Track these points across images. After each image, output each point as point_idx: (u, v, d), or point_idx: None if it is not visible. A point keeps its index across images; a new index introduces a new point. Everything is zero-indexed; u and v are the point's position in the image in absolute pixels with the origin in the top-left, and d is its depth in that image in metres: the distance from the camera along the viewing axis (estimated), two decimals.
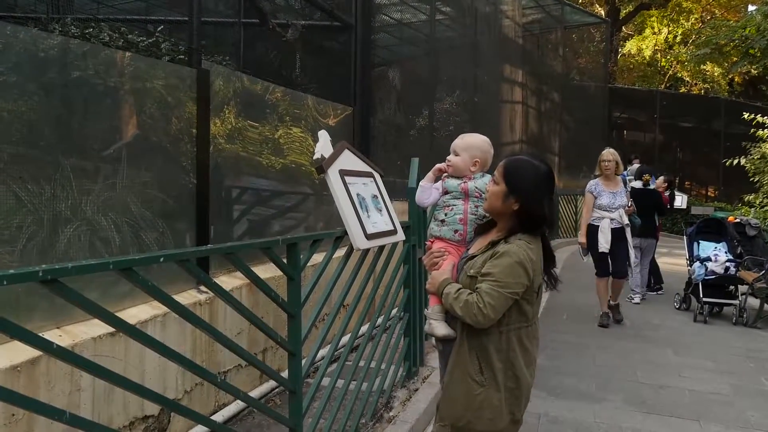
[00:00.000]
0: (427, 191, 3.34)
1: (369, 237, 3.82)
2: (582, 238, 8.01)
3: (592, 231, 7.84)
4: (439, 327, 2.88)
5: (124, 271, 2.12)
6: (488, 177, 2.99)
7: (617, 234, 7.78)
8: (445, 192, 3.23)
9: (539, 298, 2.70)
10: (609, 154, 8.10)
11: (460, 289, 2.63)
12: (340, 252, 3.80)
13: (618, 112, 25.73)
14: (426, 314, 3.08)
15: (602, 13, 28.66)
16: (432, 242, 3.19)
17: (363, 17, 7.06)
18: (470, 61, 12.55)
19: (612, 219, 7.76)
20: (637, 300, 9.51)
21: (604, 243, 7.67)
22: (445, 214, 3.17)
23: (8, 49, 3.72)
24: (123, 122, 4.36)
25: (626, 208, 7.86)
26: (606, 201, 7.83)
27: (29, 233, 3.86)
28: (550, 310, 8.53)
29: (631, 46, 33.03)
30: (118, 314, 2.33)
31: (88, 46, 4.17)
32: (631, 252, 7.99)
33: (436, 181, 3.35)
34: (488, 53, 13.42)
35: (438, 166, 3.34)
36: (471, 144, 3.22)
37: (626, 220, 7.81)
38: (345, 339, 4.65)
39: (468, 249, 2.94)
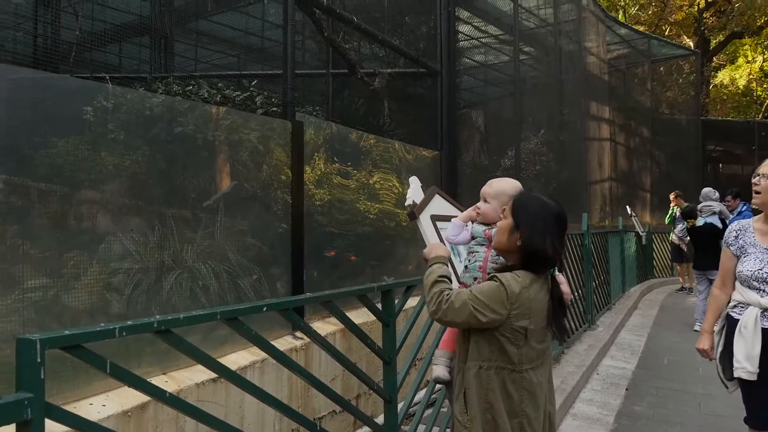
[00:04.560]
0: (458, 228, 3.26)
1: None
2: (704, 340, 3.86)
3: (729, 329, 3.74)
4: (435, 369, 2.89)
5: (230, 321, 2.20)
6: None
7: None
8: (473, 237, 3.17)
9: (539, 345, 2.48)
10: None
11: (444, 288, 2.49)
12: None
13: (712, 145, 24.72)
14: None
15: (691, 44, 27.87)
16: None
17: (448, 62, 7.15)
18: (555, 100, 12.44)
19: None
20: None
21: (747, 363, 3.55)
22: (468, 261, 3.10)
23: (117, 109, 3.98)
24: (221, 173, 4.55)
25: None
26: (754, 266, 3.62)
27: (135, 281, 4.05)
28: (648, 354, 8.15)
29: (723, 77, 31.85)
30: (219, 360, 2.40)
31: (188, 104, 4.41)
32: None
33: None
34: (573, 91, 13.27)
35: (470, 212, 3.28)
36: (500, 191, 3.10)
37: None
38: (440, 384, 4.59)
39: None
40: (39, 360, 1.60)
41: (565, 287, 2.93)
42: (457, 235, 3.23)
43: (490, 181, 3.18)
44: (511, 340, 2.39)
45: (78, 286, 3.79)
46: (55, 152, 3.81)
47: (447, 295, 2.41)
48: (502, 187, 3.10)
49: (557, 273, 2.74)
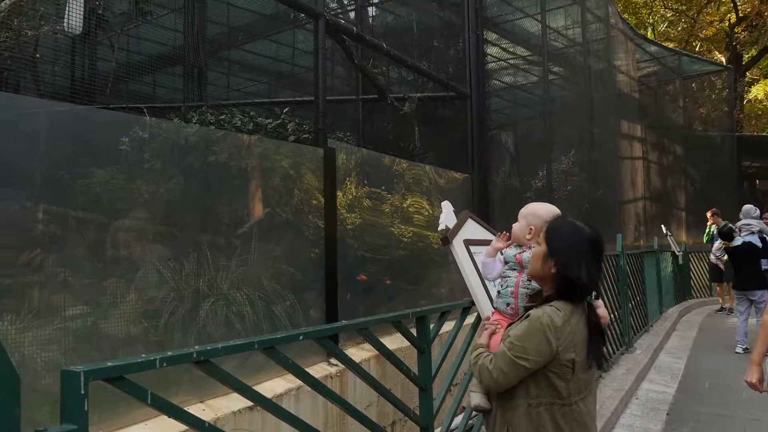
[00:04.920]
0: (490, 266, 3.24)
1: None
2: (753, 373, 3.59)
3: None
4: (473, 397, 2.80)
5: (267, 350, 2.21)
6: None
7: None
8: (505, 262, 3.13)
9: (584, 375, 2.41)
10: None
11: (482, 353, 2.50)
12: (468, 319, 3.76)
13: (748, 161, 24.25)
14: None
15: (722, 60, 27.51)
16: (493, 313, 3.10)
17: (477, 85, 7.17)
18: (586, 119, 12.36)
19: None
20: None
21: None
22: (501, 286, 3.06)
23: (152, 139, 4.05)
24: (255, 200, 4.60)
25: None
26: None
27: (171, 308, 4.10)
28: (689, 378, 7.97)
29: (757, 91, 31.32)
30: (255, 388, 2.40)
31: (221, 133, 4.48)
32: None
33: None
34: (604, 110, 13.18)
35: (495, 245, 3.25)
36: (531, 211, 3.07)
37: None
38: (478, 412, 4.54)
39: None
40: (83, 392, 1.62)
41: (602, 310, 2.88)
42: (492, 272, 3.22)
43: (528, 203, 3.16)
44: (559, 375, 2.33)
45: (116, 314, 3.84)
46: (93, 182, 3.89)
47: (487, 362, 2.38)
48: (534, 208, 3.09)
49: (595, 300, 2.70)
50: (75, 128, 3.74)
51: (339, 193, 5.11)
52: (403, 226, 6.06)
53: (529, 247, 2.96)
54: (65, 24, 3.98)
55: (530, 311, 2.37)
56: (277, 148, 4.64)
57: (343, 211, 5.24)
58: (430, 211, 6.30)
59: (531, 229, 3.00)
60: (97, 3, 5.42)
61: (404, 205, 6.06)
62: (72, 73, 6.77)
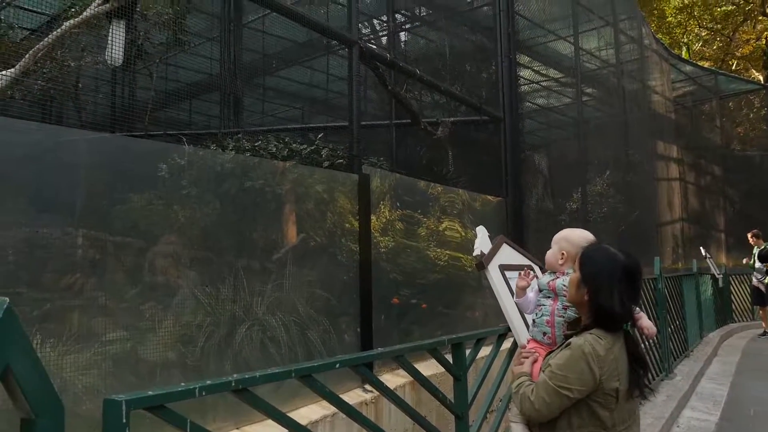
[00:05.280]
0: (525, 302, 3.20)
1: None
2: None
3: None
4: (514, 428, 2.71)
5: (304, 378, 2.21)
6: None
7: None
8: (540, 290, 3.08)
9: (628, 404, 2.35)
10: None
11: (523, 382, 2.45)
12: (505, 344, 3.72)
13: None
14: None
15: (760, 78, 27.05)
16: (529, 341, 3.05)
17: (510, 109, 7.17)
18: (620, 140, 12.24)
19: None
20: None
21: None
22: (536, 314, 3.00)
23: (189, 166, 4.13)
24: (289, 226, 4.64)
25: None
26: None
27: (208, 333, 4.13)
28: (732, 405, 7.74)
29: None
30: (290, 414, 2.40)
31: (257, 160, 4.54)
32: None
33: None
34: (639, 130, 13.04)
35: (519, 283, 3.20)
36: (563, 236, 3.02)
37: None
38: None
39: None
40: (124, 421, 1.65)
41: (644, 321, 2.82)
42: (528, 306, 3.18)
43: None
44: (602, 404, 2.28)
45: (153, 339, 3.88)
46: (132, 208, 3.97)
47: (529, 392, 2.34)
48: (567, 234, 3.06)
49: (637, 311, 2.64)
50: (115, 157, 3.82)
51: (373, 217, 5.13)
52: (437, 250, 6.05)
53: (563, 273, 2.93)
54: (107, 55, 4.09)
55: (571, 339, 2.33)
56: (311, 174, 4.68)
57: (377, 235, 5.25)
58: (464, 235, 6.28)
59: (563, 254, 2.96)
60: (137, 34, 5.57)
61: (438, 229, 6.06)
62: (113, 101, 6.96)
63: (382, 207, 5.33)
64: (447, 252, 6.20)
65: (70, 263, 3.62)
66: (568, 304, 2.81)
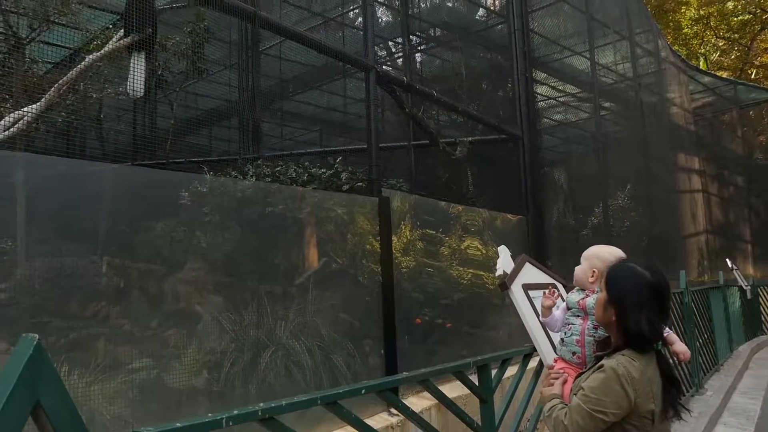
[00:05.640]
0: (552, 321, 3.15)
1: None
2: None
3: None
4: None
5: (330, 405, 2.21)
6: None
7: None
8: (568, 308, 3.03)
9: (662, 425, 2.28)
10: None
11: (556, 405, 2.40)
12: (531, 363, 3.69)
13: None
14: None
15: None
16: (557, 360, 3.00)
17: (529, 127, 7.16)
18: (640, 153, 12.15)
19: None
20: None
21: None
22: (565, 333, 2.95)
23: (211, 193, 4.17)
24: (311, 250, 4.66)
25: None
26: None
27: (232, 359, 4.14)
28: (766, 420, 7.57)
29: None
30: None
31: (277, 186, 4.57)
32: None
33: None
34: (659, 143, 12.94)
35: (545, 302, 3.16)
36: (593, 254, 2.96)
37: None
38: None
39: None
40: None
41: (678, 346, 2.77)
42: (555, 325, 3.15)
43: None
44: (638, 427, 2.23)
45: (178, 366, 3.90)
46: (154, 235, 4.01)
47: (562, 416, 2.29)
48: (597, 250, 3.00)
49: (668, 332, 2.59)
50: (138, 187, 3.87)
51: (394, 238, 5.13)
52: (460, 269, 6.03)
53: (593, 291, 2.89)
54: (128, 88, 4.16)
55: (603, 361, 2.27)
56: (331, 198, 4.70)
57: (399, 256, 5.25)
58: (485, 253, 6.25)
59: (594, 272, 2.91)
60: (157, 65, 5.66)
61: (459, 248, 6.05)
62: (134, 130, 7.06)
63: (403, 228, 5.34)
64: (469, 271, 6.18)
65: (95, 291, 3.66)
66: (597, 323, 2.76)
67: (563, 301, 3.17)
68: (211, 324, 4.14)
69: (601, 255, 2.93)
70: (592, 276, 2.91)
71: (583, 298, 2.92)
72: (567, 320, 2.99)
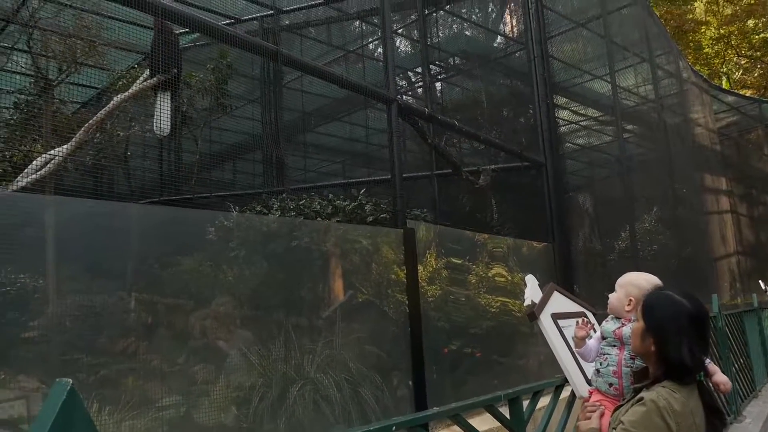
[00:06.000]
0: (586, 351, 3.09)
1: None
2: None
3: None
4: None
5: None
6: None
7: None
8: (603, 337, 2.96)
9: None
10: None
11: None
12: (563, 394, 3.62)
13: None
14: None
15: None
16: (591, 392, 2.92)
17: (551, 154, 7.13)
18: (665, 175, 12.03)
19: None
20: None
21: None
22: (600, 364, 2.86)
23: (237, 229, 4.20)
24: (337, 283, 4.66)
25: None
26: None
27: (260, 394, 4.13)
28: None
29: None
30: None
31: (301, 219, 4.61)
32: None
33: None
34: (684, 164, 12.81)
35: (578, 333, 3.10)
36: (629, 281, 2.88)
37: None
38: None
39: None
40: None
41: (719, 376, 2.70)
42: (589, 356, 3.09)
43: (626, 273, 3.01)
44: None
45: (207, 403, 3.90)
46: (182, 270, 4.04)
47: None
48: (633, 278, 2.94)
49: (708, 362, 2.52)
50: (165, 224, 3.92)
51: (420, 267, 5.12)
52: (487, 297, 5.99)
53: (629, 320, 2.82)
54: (155, 127, 4.24)
55: (642, 394, 2.20)
56: (356, 230, 4.71)
57: (425, 285, 5.23)
58: (512, 280, 6.20)
59: (631, 300, 2.84)
60: (182, 102, 5.76)
61: (485, 277, 6.01)
62: (160, 166, 7.17)
63: (428, 257, 5.32)
64: (496, 299, 6.13)
65: (124, 328, 3.69)
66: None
67: (595, 330, 3.12)
68: (239, 359, 4.15)
69: (638, 282, 2.87)
70: (629, 304, 2.85)
71: (618, 327, 2.86)
72: (602, 350, 2.93)
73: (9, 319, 3.40)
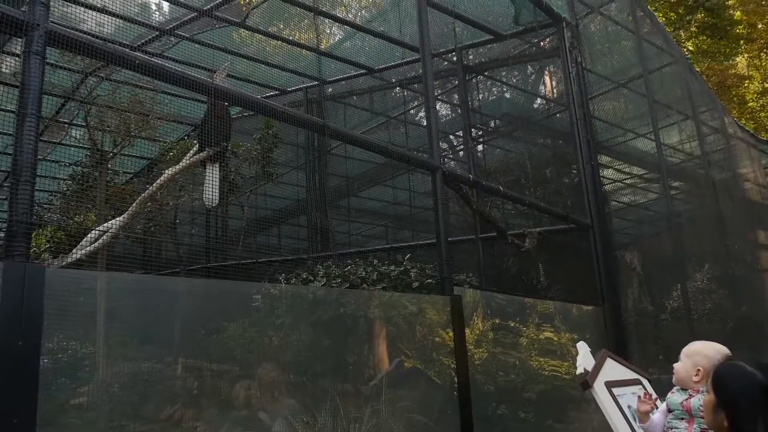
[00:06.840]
0: (651, 426, 2.94)
1: None
2: None
3: None
4: None
5: None
6: None
7: None
8: (669, 410, 2.83)
9: None
10: None
11: None
12: None
13: None
14: None
15: None
16: None
17: (598, 215, 7.05)
18: (716, 232, 11.74)
19: None
20: None
21: None
22: None
23: (282, 296, 4.23)
24: (382, 351, 4.63)
25: None
26: None
27: None
28: None
29: None
30: None
31: (346, 288, 4.63)
32: None
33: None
34: (734, 221, 12.50)
35: (642, 408, 2.98)
36: (696, 350, 2.79)
37: None
38: None
39: None
40: None
41: None
42: (654, 431, 2.97)
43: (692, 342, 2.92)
44: None
45: None
46: (228, 336, 4.08)
47: None
48: (700, 347, 2.85)
49: None
50: (213, 297, 3.99)
51: (467, 331, 5.06)
52: (538, 361, 5.87)
53: (697, 391, 2.72)
54: (204, 198, 4.35)
55: None
56: (402, 297, 4.70)
57: (472, 349, 5.16)
58: (560, 342, 6.07)
59: (699, 370, 2.74)
60: (230, 170, 5.91)
61: (534, 343, 5.90)
62: (207, 233, 7.32)
63: (475, 321, 5.26)
64: (547, 366, 6.00)
65: (171, 394, 3.71)
66: (705, 426, 2.58)
67: (658, 403, 3.01)
68: (285, 427, 4.11)
69: (706, 352, 2.77)
70: (697, 374, 2.75)
71: (686, 399, 2.74)
72: (669, 424, 2.81)
73: (59, 384, 3.46)
